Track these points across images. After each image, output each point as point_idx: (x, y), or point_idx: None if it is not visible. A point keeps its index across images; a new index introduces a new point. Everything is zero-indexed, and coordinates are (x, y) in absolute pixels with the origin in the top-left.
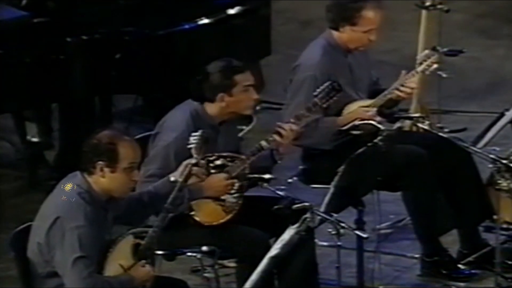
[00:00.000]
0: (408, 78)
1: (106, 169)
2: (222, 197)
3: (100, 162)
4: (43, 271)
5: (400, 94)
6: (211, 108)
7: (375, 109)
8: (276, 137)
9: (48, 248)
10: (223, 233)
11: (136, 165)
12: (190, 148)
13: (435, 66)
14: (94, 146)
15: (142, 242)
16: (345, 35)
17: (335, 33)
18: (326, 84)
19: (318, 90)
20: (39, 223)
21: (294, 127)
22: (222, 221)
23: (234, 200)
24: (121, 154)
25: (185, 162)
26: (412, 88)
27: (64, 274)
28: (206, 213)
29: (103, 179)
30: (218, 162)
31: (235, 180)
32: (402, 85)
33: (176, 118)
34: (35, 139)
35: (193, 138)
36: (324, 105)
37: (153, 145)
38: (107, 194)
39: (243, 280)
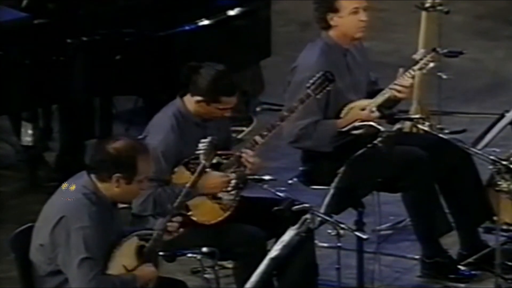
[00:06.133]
0: (404, 77)
1: (122, 181)
2: (219, 195)
3: (118, 174)
4: (45, 269)
5: (396, 93)
6: (191, 105)
7: (374, 109)
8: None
9: (52, 246)
10: (219, 233)
11: (148, 176)
12: (199, 154)
13: (432, 64)
14: (113, 157)
15: (147, 244)
16: (337, 28)
17: (330, 32)
18: (318, 75)
19: (311, 81)
20: (42, 224)
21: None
22: (220, 219)
23: (231, 197)
24: (140, 168)
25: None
26: (405, 86)
27: (69, 275)
28: (204, 212)
29: (117, 189)
30: (213, 160)
31: (231, 176)
32: (395, 84)
33: (160, 120)
34: (30, 142)
35: (202, 144)
36: (318, 96)
37: None
38: (114, 200)
39: (241, 281)
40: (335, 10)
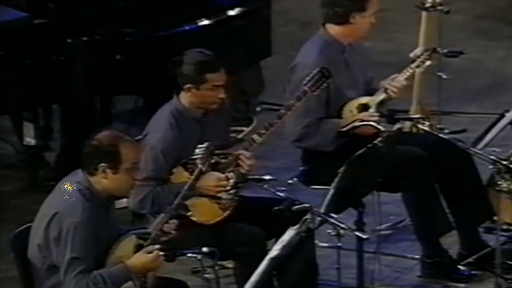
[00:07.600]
0: (402, 75)
1: (108, 171)
2: (218, 195)
3: (102, 164)
4: (42, 267)
5: (393, 91)
6: (186, 99)
7: (373, 108)
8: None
9: (47, 243)
10: (219, 233)
11: (137, 165)
12: (196, 159)
13: (429, 62)
14: (95, 148)
15: (145, 243)
16: (352, 26)
17: (335, 28)
18: (314, 72)
19: (307, 78)
20: (39, 223)
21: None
22: (219, 219)
23: (229, 196)
24: (123, 155)
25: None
26: (402, 85)
27: (61, 272)
28: (203, 212)
29: (105, 180)
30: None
31: (230, 175)
32: (390, 84)
33: (159, 119)
34: (31, 142)
35: (199, 150)
36: (315, 93)
37: (142, 148)
38: (108, 193)
39: (241, 281)
40: (363, 9)
